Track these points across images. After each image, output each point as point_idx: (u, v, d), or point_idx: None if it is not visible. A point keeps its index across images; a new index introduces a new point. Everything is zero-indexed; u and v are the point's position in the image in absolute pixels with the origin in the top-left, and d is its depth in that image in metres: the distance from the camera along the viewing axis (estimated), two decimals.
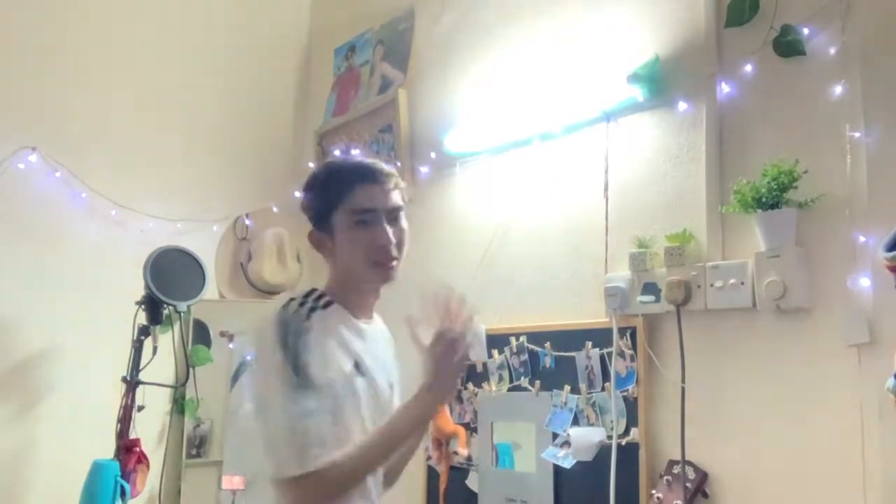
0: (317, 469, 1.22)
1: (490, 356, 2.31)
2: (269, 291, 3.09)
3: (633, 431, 1.92)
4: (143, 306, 2.47)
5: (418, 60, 2.81)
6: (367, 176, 1.40)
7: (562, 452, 2.04)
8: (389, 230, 1.38)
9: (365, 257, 1.38)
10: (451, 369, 1.39)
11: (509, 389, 2.25)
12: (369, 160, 1.45)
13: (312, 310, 1.34)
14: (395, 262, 1.40)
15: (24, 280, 2.62)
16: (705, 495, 1.77)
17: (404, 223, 1.43)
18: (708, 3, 1.91)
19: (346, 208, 1.37)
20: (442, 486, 2.36)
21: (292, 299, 1.36)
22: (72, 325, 2.66)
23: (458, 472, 2.33)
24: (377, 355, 1.44)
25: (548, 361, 2.15)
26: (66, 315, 2.66)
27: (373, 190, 1.39)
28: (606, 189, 2.09)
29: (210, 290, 2.70)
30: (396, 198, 1.41)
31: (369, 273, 1.39)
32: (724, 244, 1.83)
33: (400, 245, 1.40)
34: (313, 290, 1.40)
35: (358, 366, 1.36)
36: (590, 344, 2.05)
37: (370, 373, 1.39)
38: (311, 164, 3.20)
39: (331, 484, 1.26)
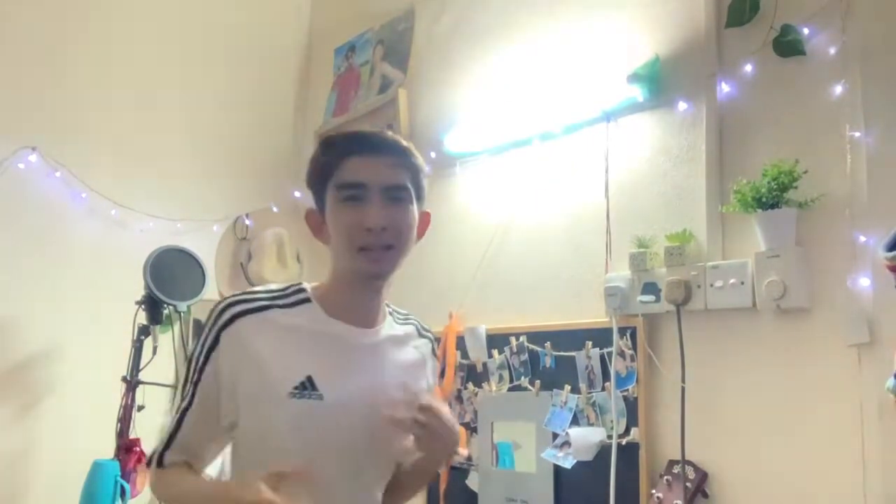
0: (158, 468, 1.18)
1: (490, 356, 2.31)
2: None
3: (633, 431, 1.92)
4: (143, 306, 2.47)
5: (418, 60, 2.81)
6: (361, 146, 1.17)
7: (562, 452, 2.04)
8: (380, 211, 1.14)
9: (348, 241, 1.14)
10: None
11: (509, 389, 2.25)
12: (373, 130, 1.23)
13: (240, 314, 1.14)
14: (386, 252, 1.15)
15: (24, 280, 2.61)
16: (705, 495, 1.77)
17: (411, 207, 1.18)
18: (708, 4, 1.91)
19: (334, 183, 1.16)
20: (442, 487, 2.36)
21: (250, 293, 1.19)
22: (72, 325, 2.66)
23: (459, 472, 2.33)
24: (368, 370, 1.19)
25: (548, 361, 2.15)
26: (66, 315, 2.66)
27: (365, 162, 1.15)
28: (606, 189, 2.09)
29: (210, 290, 2.70)
30: (397, 175, 1.17)
31: (354, 262, 1.15)
32: (724, 244, 1.83)
33: (396, 231, 1.15)
34: (293, 285, 1.22)
35: (311, 383, 1.13)
36: (590, 344, 2.05)
37: (332, 393, 1.13)
38: None
39: (160, 490, 1.20)
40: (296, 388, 1.12)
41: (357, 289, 1.20)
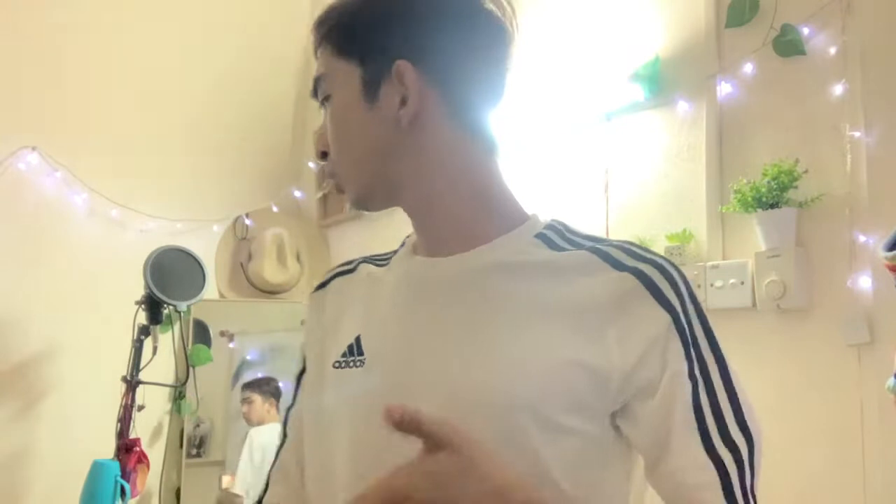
0: None
1: None
2: (269, 291, 3.09)
3: None
4: (143, 306, 2.47)
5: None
6: None
7: None
8: (321, 132, 0.85)
9: None
10: None
11: None
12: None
13: (335, 276, 0.90)
14: (333, 177, 0.83)
15: (24, 280, 2.62)
16: None
17: (336, 99, 0.80)
18: (708, 4, 1.91)
19: None
20: None
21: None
22: (72, 325, 2.66)
23: None
24: (445, 314, 0.75)
25: None
26: (66, 315, 2.66)
27: None
28: (606, 189, 2.09)
29: (210, 290, 2.70)
30: (318, 67, 0.82)
31: None
32: (724, 244, 1.83)
33: (331, 148, 0.81)
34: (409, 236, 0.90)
35: (357, 345, 0.79)
36: None
37: (377, 356, 0.77)
38: (311, 164, 3.21)
39: None
40: (343, 354, 0.80)
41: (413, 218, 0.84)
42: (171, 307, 2.49)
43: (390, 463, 0.60)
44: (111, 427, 2.39)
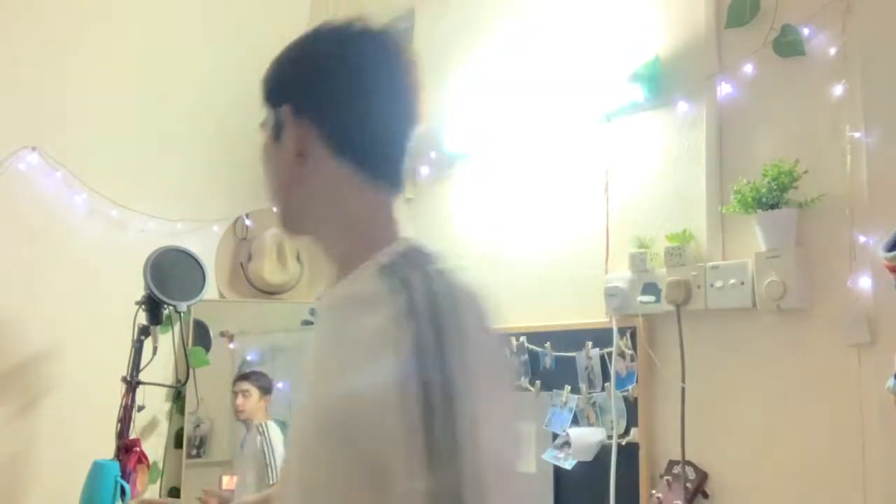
0: None
1: None
2: (269, 291, 3.09)
3: (633, 431, 1.92)
4: (143, 306, 2.47)
5: (418, 60, 2.80)
6: None
7: (562, 453, 2.04)
8: None
9: None
10: None
11: None
12: None
13: None
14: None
15: (24, 280, 2.61)
16: (705, 495, 1.77)
17: (266, 141, 0.91)
18: (708, 4, 1.91)
19: None
20: None
21: None
22: (72, 325, 2.66)
23: None
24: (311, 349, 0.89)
25: (548, 361, 2.15)
26: (66, 315, 2.65)
27: None
28: (606, 189, 2.09)
29: (210, 290, 2.70)
30: None
31: None
32: (724, 244, 1.83)
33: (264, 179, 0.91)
34: None
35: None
36: (590, 344, 2.05)
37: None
38: None
39: None
40: None
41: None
42: (171, 307, 2.49)
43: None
44: (111, 427, 2.39)
